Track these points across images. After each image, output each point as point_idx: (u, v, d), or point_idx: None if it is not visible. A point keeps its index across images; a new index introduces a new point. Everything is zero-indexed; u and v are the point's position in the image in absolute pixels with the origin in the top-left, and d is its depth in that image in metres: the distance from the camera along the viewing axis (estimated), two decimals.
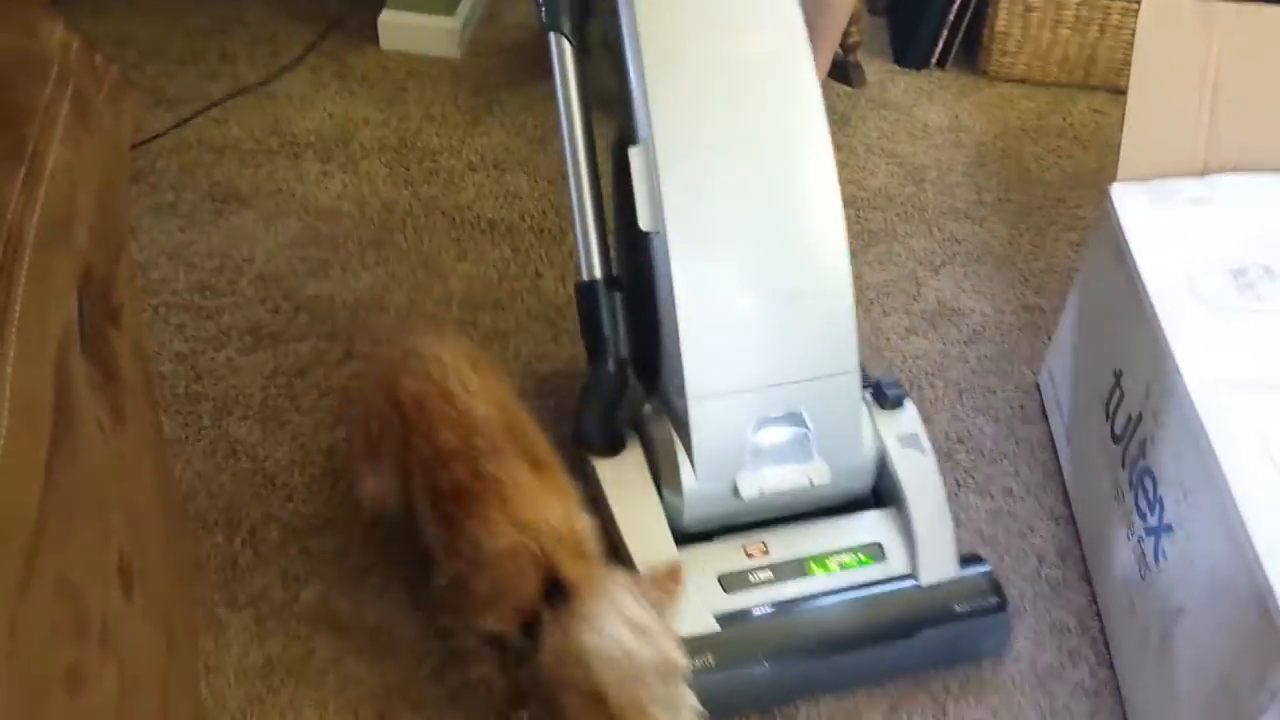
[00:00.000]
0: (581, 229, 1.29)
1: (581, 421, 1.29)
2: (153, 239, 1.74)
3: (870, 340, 1.61)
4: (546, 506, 1.07)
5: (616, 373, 1.28)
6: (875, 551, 1.22)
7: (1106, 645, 1.28)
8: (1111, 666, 1.26)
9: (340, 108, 2.00)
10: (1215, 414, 1.07)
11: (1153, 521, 1.17)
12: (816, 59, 1.39)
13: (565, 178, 1.30)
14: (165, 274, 1.69)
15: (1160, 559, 1.15)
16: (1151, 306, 1.19)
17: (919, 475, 1.24)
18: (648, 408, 1.28)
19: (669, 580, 1.03)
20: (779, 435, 1.20)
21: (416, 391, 1.16)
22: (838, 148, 1.88)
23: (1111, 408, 1.29)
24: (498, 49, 2.17)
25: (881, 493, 1.27)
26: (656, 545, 1.18)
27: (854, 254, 1.74)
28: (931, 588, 1.19)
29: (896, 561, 1.21)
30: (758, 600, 1.17)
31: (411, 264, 1.72)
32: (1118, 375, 1.28)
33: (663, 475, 1.22)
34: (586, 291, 1.29)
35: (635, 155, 1.19)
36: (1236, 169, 1.34)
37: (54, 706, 0.64)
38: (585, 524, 1.09)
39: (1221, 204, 1.30)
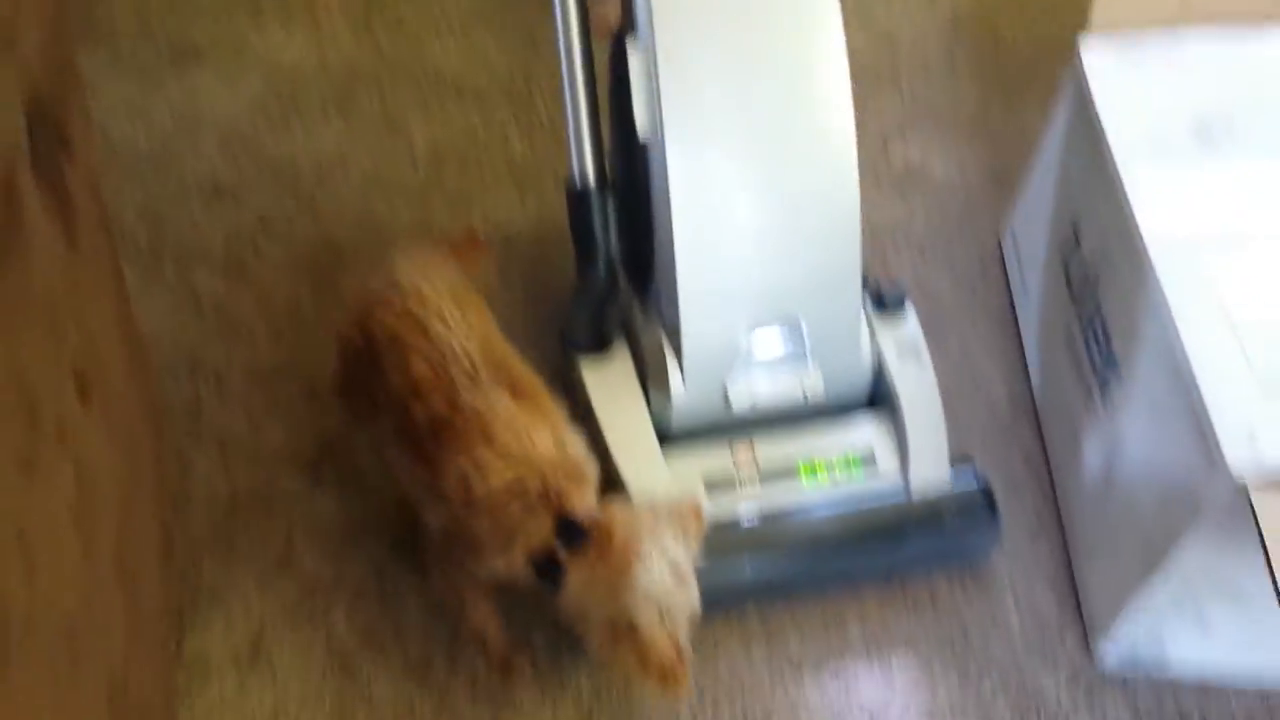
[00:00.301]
0: (575, 128, 1.21)
1: (570, 322, 1.26)
2: (112, 96, 1.71)
3: None
4: (535, 435, 1.00)
5: (606, 274, 1.24)
6: (866, 457, 1.20)
7: (1052, 482, 1.32)
8: (1054, 499, 1.30)
9: None
10: (1166, 260, 1.08)
11: (1100, 363, 1.19)
12: None
13: (560, 76, 1.21)
14: (125, 131, 1.67)
15: (1106, 398, 1.18)
16: (1112, 157, 1.19)
17: (915, 383, 1.21)
18: (637, 308, 1.25)
19: (694, 520, 1.03)
20: (773, 340, 1.17)
21: (391, 325, 1.09)
22: None
23: (1069, 258, 1.30)
24: None
25: (876, 397, 1.25)
26: (642, 450, 1.16)
27: None
28: (921, 496, 1.18)
29: (887, 468, 1.19)
30: (744, 504, 1.16)
31: (376, 125, 1.70)
32: (1076, 228, 1.29)
33: (651, 378, 1.19)
34: (579, 196, 1.22)
35: (633, 54, 1.12)
36: (1209, 21, 1.33)
37: (7, 483, 0.65)
38: (579, 447, 1.03)
39: (1191, 56, 1.29)
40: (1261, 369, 1.00)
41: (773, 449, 1.19)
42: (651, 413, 1.19)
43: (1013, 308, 1.50)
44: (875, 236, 1.59)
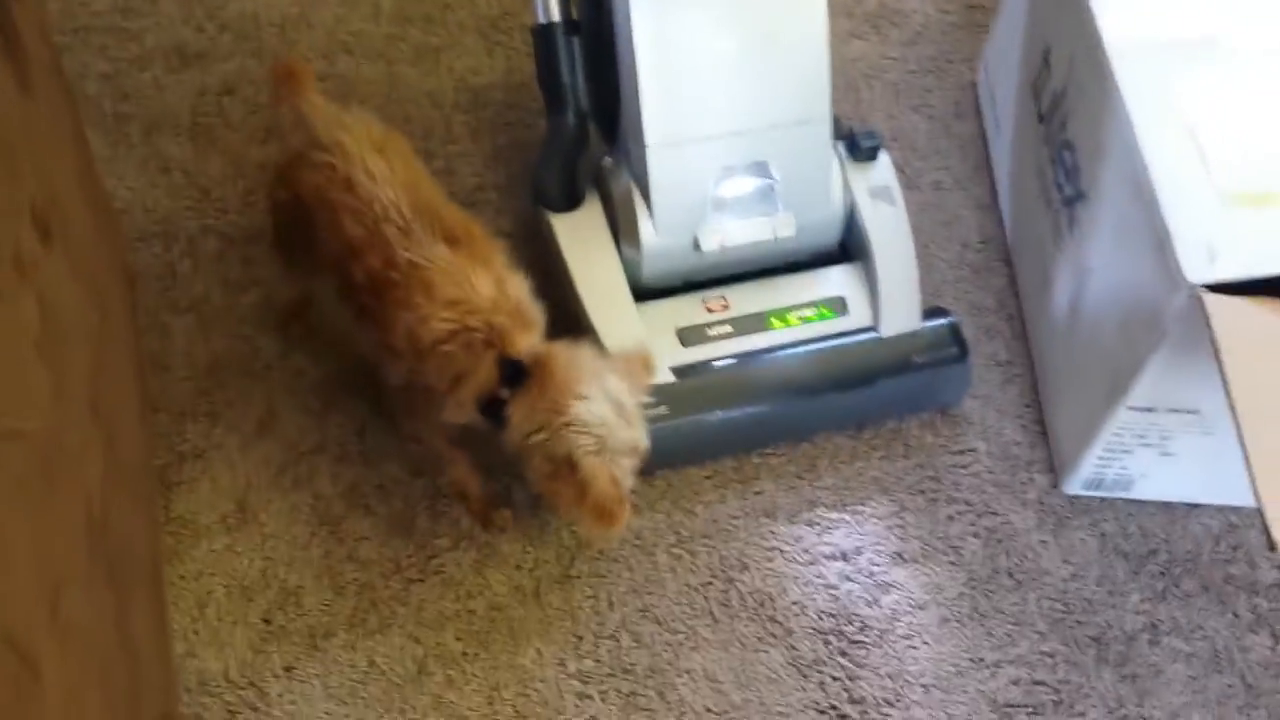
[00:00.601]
0: None
1: (538, 176, 1.23)
2: None
3: None
4: (475, 281, 1.01)
5: (576, 124, 1.20)
6: (837, 305, 1.20)
7: (1022, 321, 1.33)
8: (1024, 339, 1.32)
9: None
10: (1129, 72, 1.08)
11: (1068, 190, 1.19)
12: None
13: None
14: None
15: (1074, 226, 1.18)
16: None
17: (888, 229, 1.20)
18: (607, 160, 1.22)
19: (642, 369, 1.03)
20: (743, 186, 1.16)
21: (317, 184, 1.07)
22: None
23: (1039, 87, 1.29)
24: None
25: (849, 246, 1.24)
26: (615, 304, 1.16)
27: None
28: (892, 340, 1.19)
29: (859, 314, 1.20)
30: (715, 353, 1.17)
31: None
32: (1046, 53, 1.27)
33: (621, 230, 1.18)
34: (543, 35, 1.19)
35: None
36: None
37: None
38: (520, 287, 1.03)
39: None
40: (1221, 180, 1.00)
41: (745, 298, 1.20)
42: (625, 266, 1.18)
43: (987, 146, 1.49)
44: (848, 76, 1.57)
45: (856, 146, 1.22)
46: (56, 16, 1.59)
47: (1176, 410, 1.07)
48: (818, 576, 1.16)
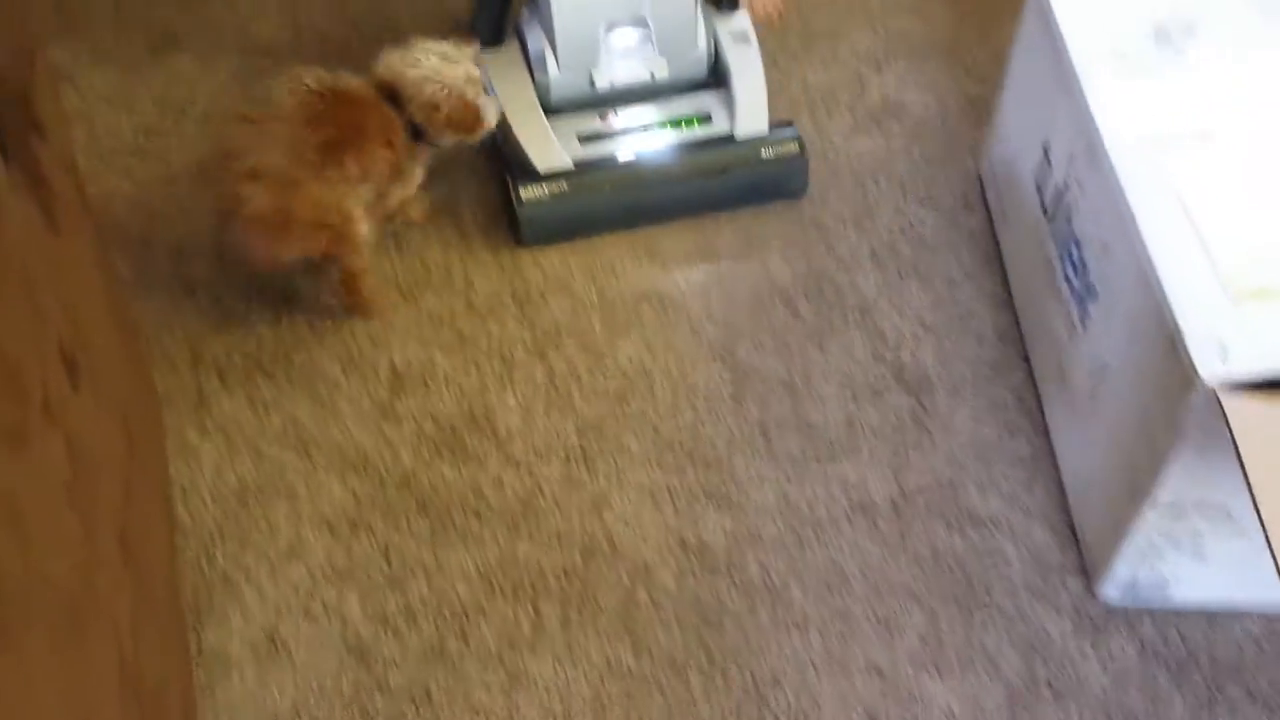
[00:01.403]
0: None
1: (473, 21, 1.56)
2: (93, 88, 1.72)
3: (814, 141, 1.61)
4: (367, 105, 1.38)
5: None
6: (705, 118, 1.53)
7: (1043, 416, 1.33)
8: (1047, 435, 1.32)
9: None
10: (1130, 168, 1.09)
11: (1078, 286, 1.20)
12: None
13: None
14: (109, 122, 1.68)
15: (1086, 321, 1.19)
16: (1074, 71, 1.19)
17: (743, 60, 1.54)
18: (524, 12, 1.54)
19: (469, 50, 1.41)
20: (627, 36, 1.50)
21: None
22: None
23: (1041, 181, 1.31)
24: None
25: (717, 77, 1.57)
26: (529, 115, 1.50)
27: (796, 55, 1.75)
28: (744, 140, 1.51)
29: (720, 124, 1.52)
30: (605, 151, 1.50)
31: None
32: (1046, 148, 1.29)
33: (533, 65, 1.52)
34: None
35: None
36: None
37: None
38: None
39: None
40: (1227, 275, 1.00)
41: (632, 114, 1.54)
42: (536, 91, 1.51)
43: (995, 238, 1.51)
44: (854, 171, 1.60)
45: (720, 1, 1.57)
46: (83, 142, 1.64)
47: (1205, 511, 1.06)
48: (852, 692, 1.15)
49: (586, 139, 1.52)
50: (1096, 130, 1.13)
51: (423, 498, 1.29)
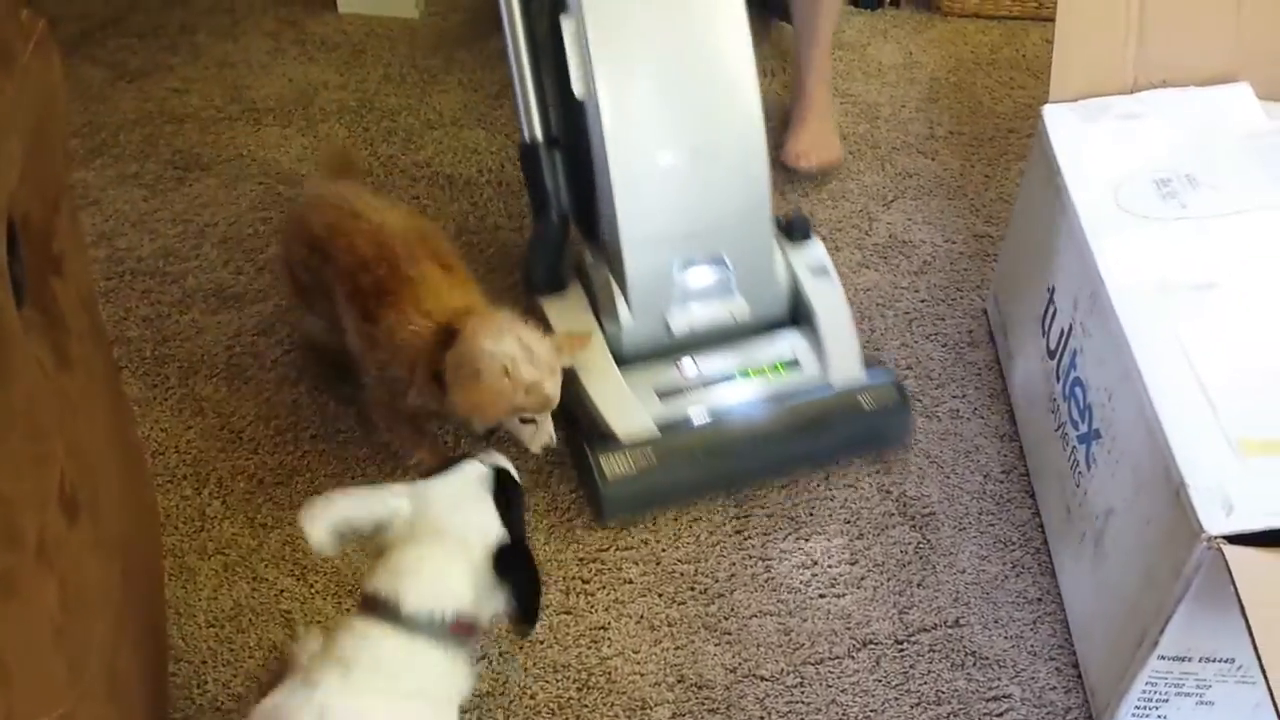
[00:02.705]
0: (520, 92, 1.40)
1: (529, 268, 1.44)
2: (117, 209, 1.77)
3: None
4: (451, 296, 1.26)
5: (559, 224, 1.41)
6: (791, 363, 1.38)
7: (1049, 555, 1.31)
8: (1054, 575, 1.30)
9: (299, 72, 2.03)
10: (1133, 317, 1.10)
11: (1083, 429, 1.20)
12: (812, 56, 1.73)
13: (504, 45, 1.39)
14: (130, 242, 1.72)
15: (1091, 464, 1.18)
16: (1078, 219, 1.22)
17: (825, 296, 1.40)
18: (588, 254, 1.42)
19: (577, 341, 1.29)
20: (704, 275, 1.37)
21: (328, 222, 1.32)
22: (786, 88, 1.90)
23: (1046, 323, 1.32)
24: (455, 6, 2.19)
25: (797, 315, 1.43)
26: (601, 370, 1.35)
27: (806, 191, 1.79)
28: (840, 388, 1.36)
29: (809, 369, 1.38)
30: (688, 407, 1.34)
31: None
32: (1050, 291, 1.30)
33: (602, 312, 1.39)
34: (528, 151, 1.40)
35: (566, 24, 1.30)
36: (1165, 84, 1.35)
37: None
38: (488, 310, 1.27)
39: (1149, 118, 1.32)
40: (1230, 427, 1.00)
41: (712, 361, 1.39)
42: (607, 340, 1.37)
43: (1002, 374, 1.51)
44: (861, 305, 1.61)
45: (793, 231, 1.45)
46: (104, 262, 1.68)
47: (1211, 659, 1.04)
48: None
49: (666, 394, 1.35)
50: (1100, 278, 1.14)
51: None
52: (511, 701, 1.21)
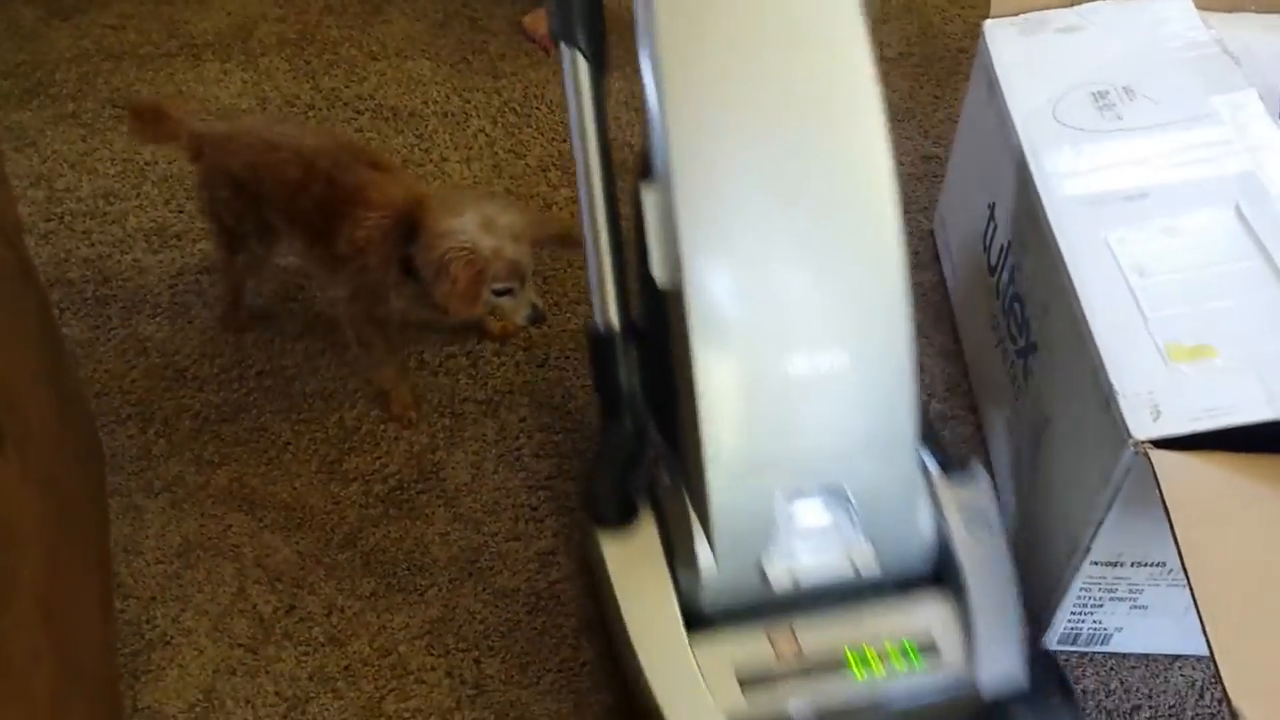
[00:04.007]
0: (596, 271, 1.11)
1: (591, 487, 1.11)
2: (55, 149, 1.74)
3: None
4: (395, 189, 1.26)
5: (633, 433, 1.11)
6: (928, 648, 1.01)
7: (992, 472, 1.33)
8: (995, 488, 1.31)
9: (238, 5, 1.98)
10: (1068, 230, 1.10)
11: (1021, 343, 1.21)
12: None
13: (579, 212, 1.12)
14: (69, 183, 1.69)
15: (1028, 378, 1.19)
16: (1016, 134, 1.21)
17: (985, 561, 1.03)
18: (665, 474, 1.08)
19: (553, 220, 1.33)
20: (817, 513, 1.01)
21: (247, 161, 1.31)
22: None
23: (987, 240, 1.32)
24: None
25: (941, 572, 1.06)
26: (665, 643, 1.00)
27: None
28: (990, 694, 0.99)
29: (952, 659, 1.00)
30: (778, 705, 0.98)
31: None
32: (991, 207, 1.30)
33: (678, 553, 1.03)
34: (602, 343, 1.11)
35: (648, 194, 0.99)
36: None
37: None
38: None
39: (1089, 30, 1.31)
40: (1160, 334, 1.01)
41: (817, 635, 1.01)
42: (680, 593, 1.02)
43: (947, 294, 1.52)
44: None
45: (947, 461, 1.08)
46: (43, 204, 1.65)
47: (1142, 563, 1.06)
48: None
49: (751, 682, 0.98)
50: (1036, 192, 1.14)
51: (367, 555, 1.28)
52: (461, 626, 1.22)
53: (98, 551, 1.13)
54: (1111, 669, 1.18)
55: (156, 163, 1.71)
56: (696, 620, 1.01)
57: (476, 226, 1.19)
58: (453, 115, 1.79)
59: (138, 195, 1.67)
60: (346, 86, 1.83)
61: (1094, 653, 1.18)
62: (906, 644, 1.01)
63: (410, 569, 1.27)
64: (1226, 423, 0.93)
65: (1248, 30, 1.31)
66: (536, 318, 1.27)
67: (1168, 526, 0.90)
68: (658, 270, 0.99)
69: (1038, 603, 1.17)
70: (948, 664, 1.00)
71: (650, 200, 1.00)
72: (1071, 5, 1.35)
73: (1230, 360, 0.98)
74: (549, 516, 1.31)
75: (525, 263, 1.22)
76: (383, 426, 1.39)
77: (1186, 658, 1.18)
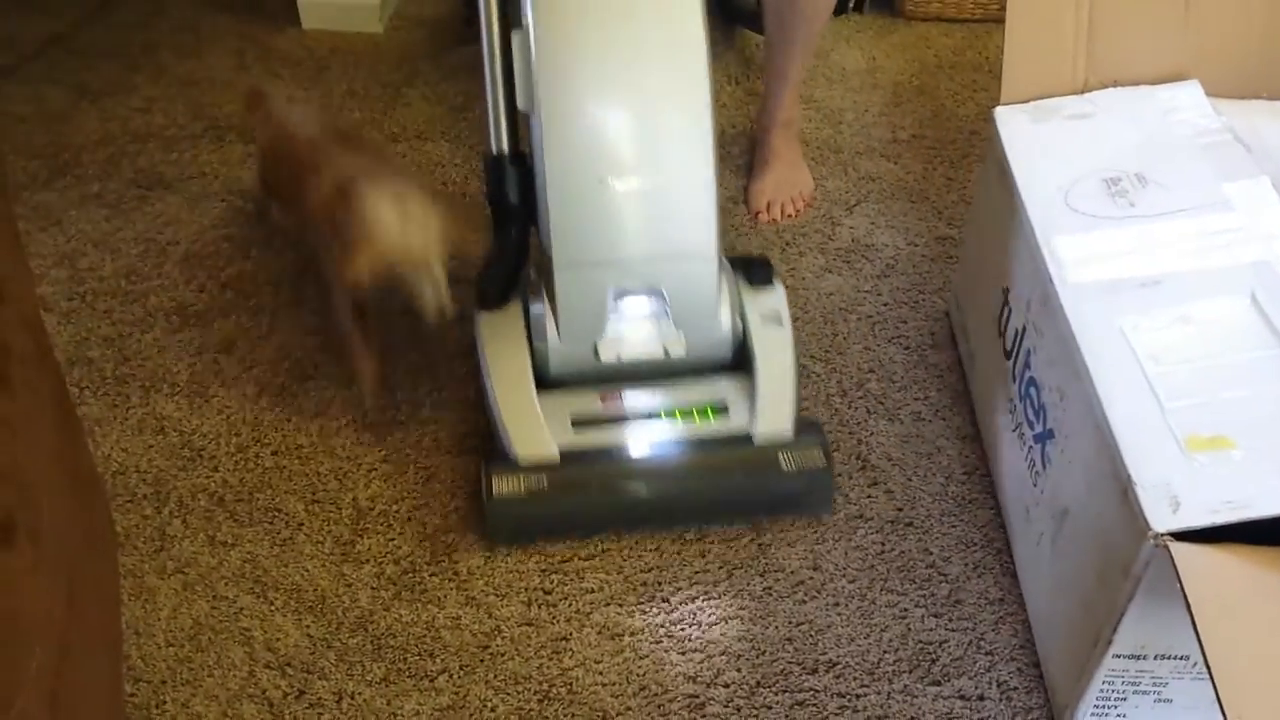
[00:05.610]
0: (492, 104, 1.37)
1: (482, 283, 1.40)
2: (79, 229, 1.76)
3: (784, 279, 1.63)
4: (344, 161, 1.36)
5: (517, 240, 1.39)
6: (720, 408, 1.32)
7: (1011, 556, 1.31)
8: (1015, 575, 1.29)
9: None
10: (1082, 316, 1.10)
11: (1039, 429, 1.20)
12: (789, 65, 1.64)
13: (480, 55, 1.36)
14: (92, 261, 1.71)
15: (1047, 464, 1.18)
16: (1029, 220, 1.22)
17: (772, 348, 1.34)
18: (532, 272, 1.39)
19: (468, 227, 1.36)
20: (639, 306, 1.32)
21: (268, 135, 1.57)
22: (752, 95, 1.91)
23: (1002, 324, 1.32)
24: (419, 22, 2.19)
25: (742, 360, 1.37)
26: (516, 388, 1.32)
27: None
28: (761, 443, 1.29)
29: (737, 419, 1.31)
30: (600, 440, 1.30)
31: None
32: (1005, 292, 1.31)
33: (533, 331, 1.35)
34: (493, 163, 1.38)
35: (516, 38, 1.29)
36: (1116, 83, 1.36)
37: None
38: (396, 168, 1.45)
39: (1100, 117, 1.32)
40: (1176, 424, 1.00)
41: (638, 397, 1.33)
42: (535, 361, 1.33)
43: (964, 375, 1.51)
44: (824, 310, 1.61)
45: (753, 274, 1.40)
46: (65, 283, 1.67)
47: (1166, 656, 1.04)
48: None
49: (581, 423, 1.31)
50: (1049, 278, 1.14)
51: (379, 639, 1.26)
52: (472, 714, 1.20)
53: (108, 636, 1.11)
54: None
55: (179, 242, 1.74)
56: (546, 383, 1.33)
57: (387, 205, 1.27)
58: (471, 197, 1.81)
59: (159, 275, 1.69)
60: None
61: None
62: (708, 407, 1.32)
63: (421, 654, 1.25)
64: (1246, 516, 0.92)
65: (1259, 117, 1.32)
66: (438, 310, 1.32)
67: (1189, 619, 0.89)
68: (521, 99, 1.30)
69: (1062, 695, 1.15)
70: (734, 421, 1.30)
71: (517, 43, 1.28)
72: (1082, 92, 1.36)
73: (1249, 452, 0.97)
74: (562, 601, 1.30)
75: (423, 252, 1.28)
76: (396, 506, 1.39)
77: None
